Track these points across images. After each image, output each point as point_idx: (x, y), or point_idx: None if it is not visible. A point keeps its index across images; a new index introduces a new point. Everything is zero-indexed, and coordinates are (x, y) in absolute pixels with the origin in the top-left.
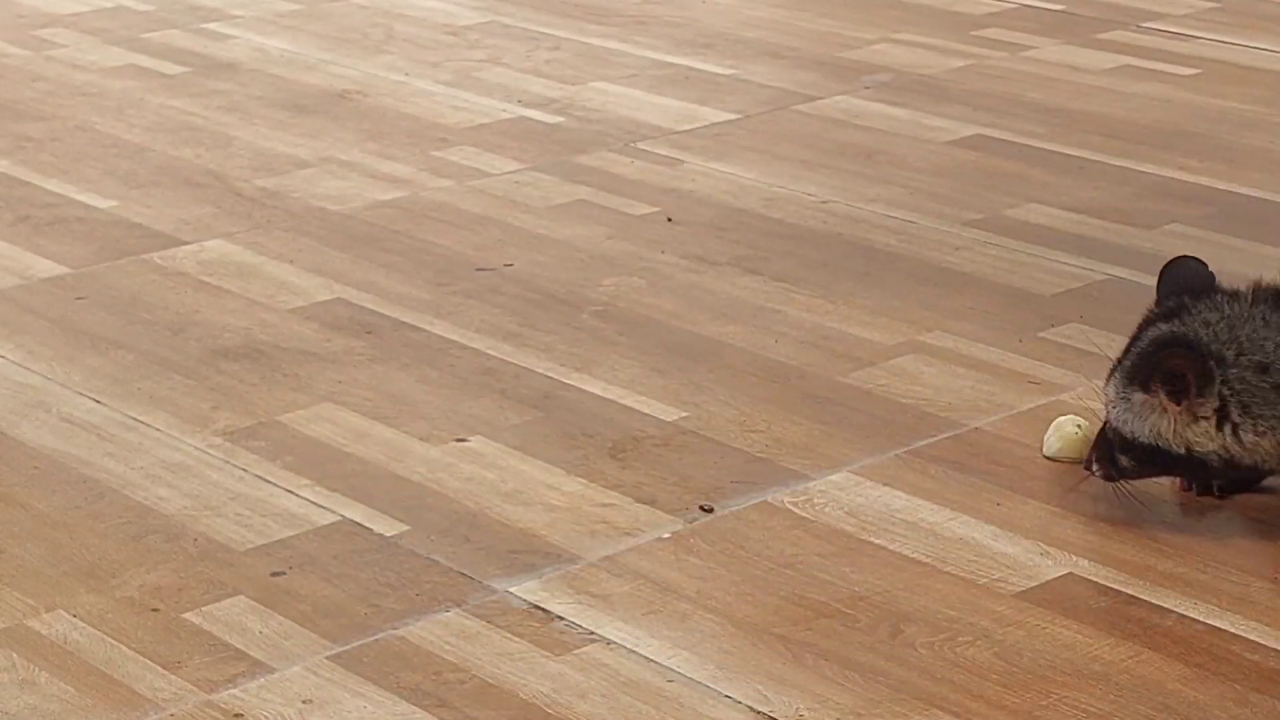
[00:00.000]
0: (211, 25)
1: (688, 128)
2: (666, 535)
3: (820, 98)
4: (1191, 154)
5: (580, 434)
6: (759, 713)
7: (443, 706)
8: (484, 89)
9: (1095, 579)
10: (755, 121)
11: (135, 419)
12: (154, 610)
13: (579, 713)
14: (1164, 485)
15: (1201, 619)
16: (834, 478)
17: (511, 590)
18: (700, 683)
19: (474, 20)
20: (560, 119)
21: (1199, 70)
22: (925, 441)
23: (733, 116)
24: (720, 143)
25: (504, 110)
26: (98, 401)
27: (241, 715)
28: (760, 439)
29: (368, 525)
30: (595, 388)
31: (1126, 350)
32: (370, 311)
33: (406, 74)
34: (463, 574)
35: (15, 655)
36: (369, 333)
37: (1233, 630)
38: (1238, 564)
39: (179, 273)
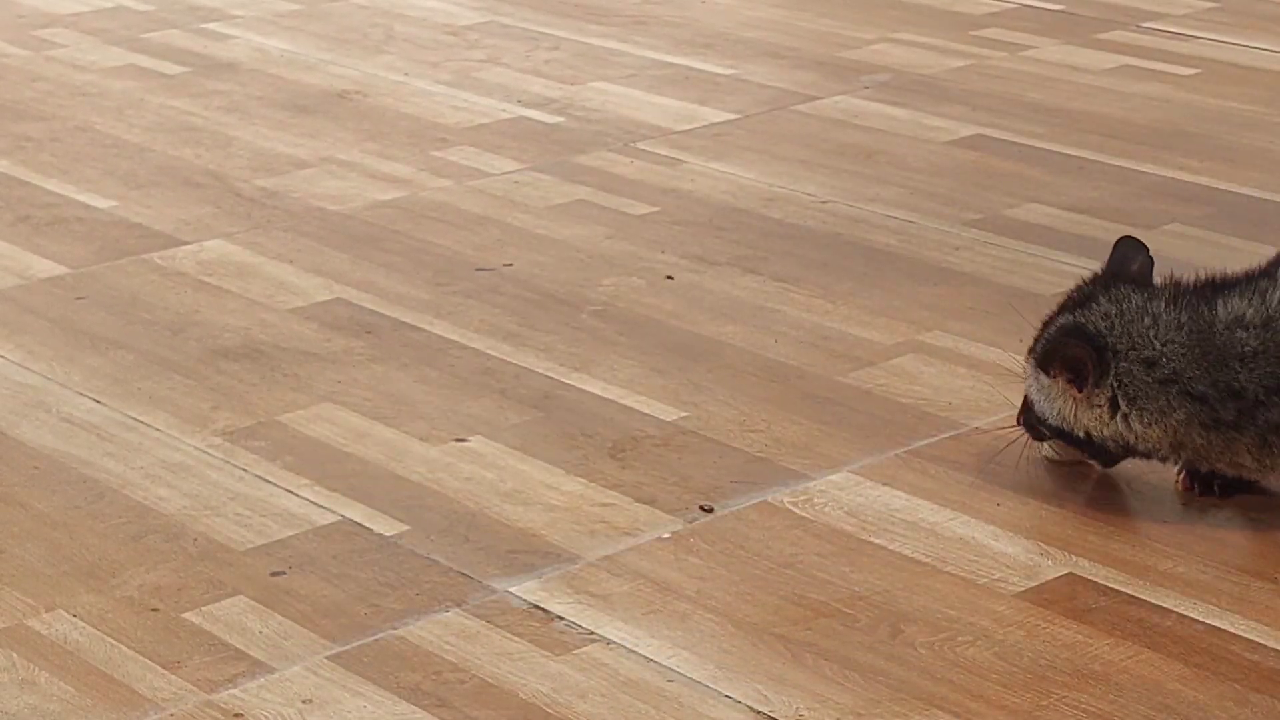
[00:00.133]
0: (211, 25)
1: (687, 128)
2: (666, 535)
3: (820, 98)
4: (1191, 154)
5: (580, 434)
6: (759, 713)
7: (443, 706)
8: (484, 89)
9: (1095, 579)
10: (755, 121)
11: (135, 419)
12: (154, 610)
13: (579, 713)
14: (1164, 485)
15: (1201, 619)
16: (834, 478)
17: (511, 590)
18: (700, 683)
19: (473, 20)
20: (560, 119)
21: (1199, 70)
22: (925, 441)
23: (732, 116)
24: (720, 143)
25: (503, 110)
26: (98, 401)
27: (241, 715)
28: (760, 439)
29: (367, 525)
30: (595, 387)
31: (1041, 330)
32: (370, 311)
33: (406, 74)
34: (462, 574)
35: (15, 655)
36: (369, 333)
37: (1233, 630)
38: (1238, 564)
39: (179, 273)
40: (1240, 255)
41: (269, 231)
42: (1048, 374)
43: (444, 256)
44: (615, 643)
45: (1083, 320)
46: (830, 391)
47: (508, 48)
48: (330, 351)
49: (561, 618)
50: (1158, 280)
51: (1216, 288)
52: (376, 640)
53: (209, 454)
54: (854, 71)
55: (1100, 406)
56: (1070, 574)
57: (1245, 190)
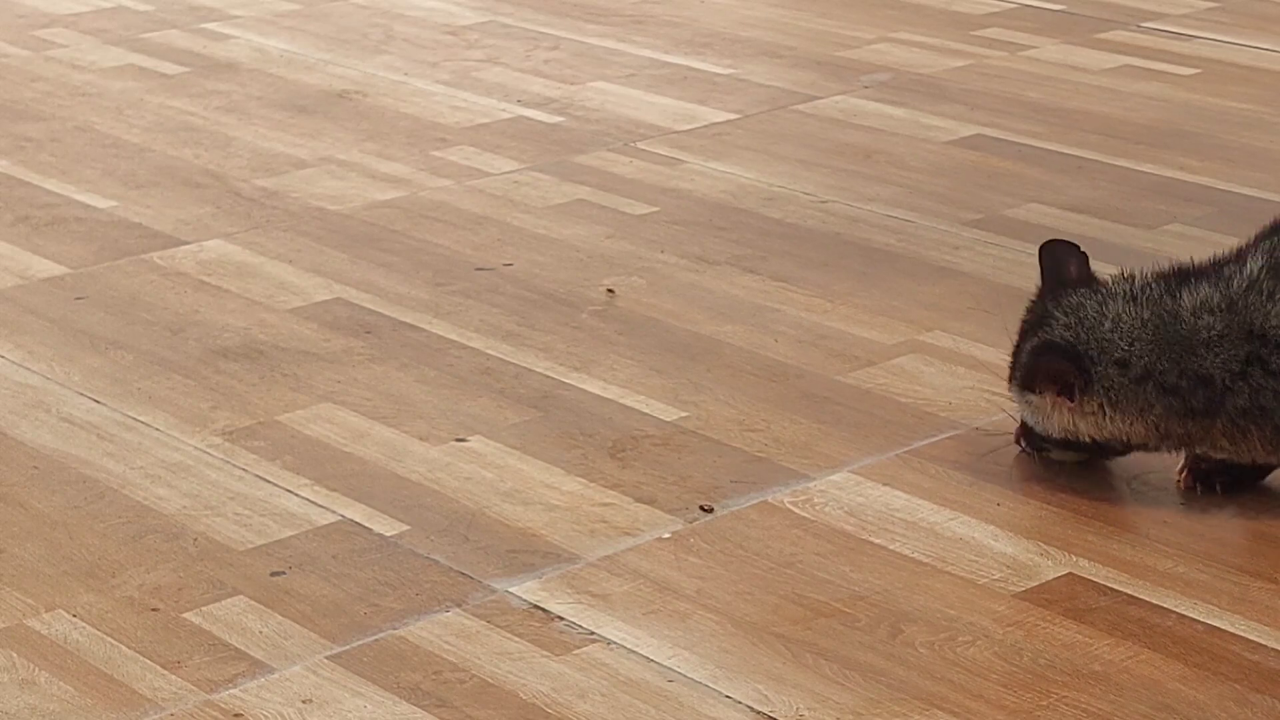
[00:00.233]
0: (211, 25)
1: (686, 127)
2: (666, 535)
3: (819, 97)
4: (1191, 154)
5: (579, 434)
6: (759, 713)
7: (443, 706)
8: (483, 89)
9: (1095, 579)
10: (754, 121)
11: (135, 419)
12: (154, 610)
13: (579, 713)
14: (1164, 485)
15: (1201, 619)
16: (834, 477)
17: (511, 590)
18: (700, 683)
19: (473, 20)
20: (559, 119)
21: (1199, 70)
22: (925, 441)
23: (731, 116)
24: (719, 142)
25: (503, 110)
26: (97, 401)
27: (241, 715)
28: (759, 438)
29: (367, 525)
30: (594, 387)
31: (1014, 355)
32: (369, 311)
33: (406, 74)
34: (462, 574)
35: (15, 655)
36: (368, 333)
37: (1233, 630)
38: (1238, 564)
39: (178, 273)
40: None
41: (269, 231)
42: (1036, 393)
43: (443, 256)
44: (615, 643)
45: (1048, 336)
46: (830, 391)
47: (507, 48)
48: (330, 351)
49: (561, 618)
50: (1108, 276)
51: (1181, 277)
52: (376, 640)
53: (208, 454)
54: (853, 71)
55: (1094, 414)
56: (1070, 574)
57: (1245, 190)
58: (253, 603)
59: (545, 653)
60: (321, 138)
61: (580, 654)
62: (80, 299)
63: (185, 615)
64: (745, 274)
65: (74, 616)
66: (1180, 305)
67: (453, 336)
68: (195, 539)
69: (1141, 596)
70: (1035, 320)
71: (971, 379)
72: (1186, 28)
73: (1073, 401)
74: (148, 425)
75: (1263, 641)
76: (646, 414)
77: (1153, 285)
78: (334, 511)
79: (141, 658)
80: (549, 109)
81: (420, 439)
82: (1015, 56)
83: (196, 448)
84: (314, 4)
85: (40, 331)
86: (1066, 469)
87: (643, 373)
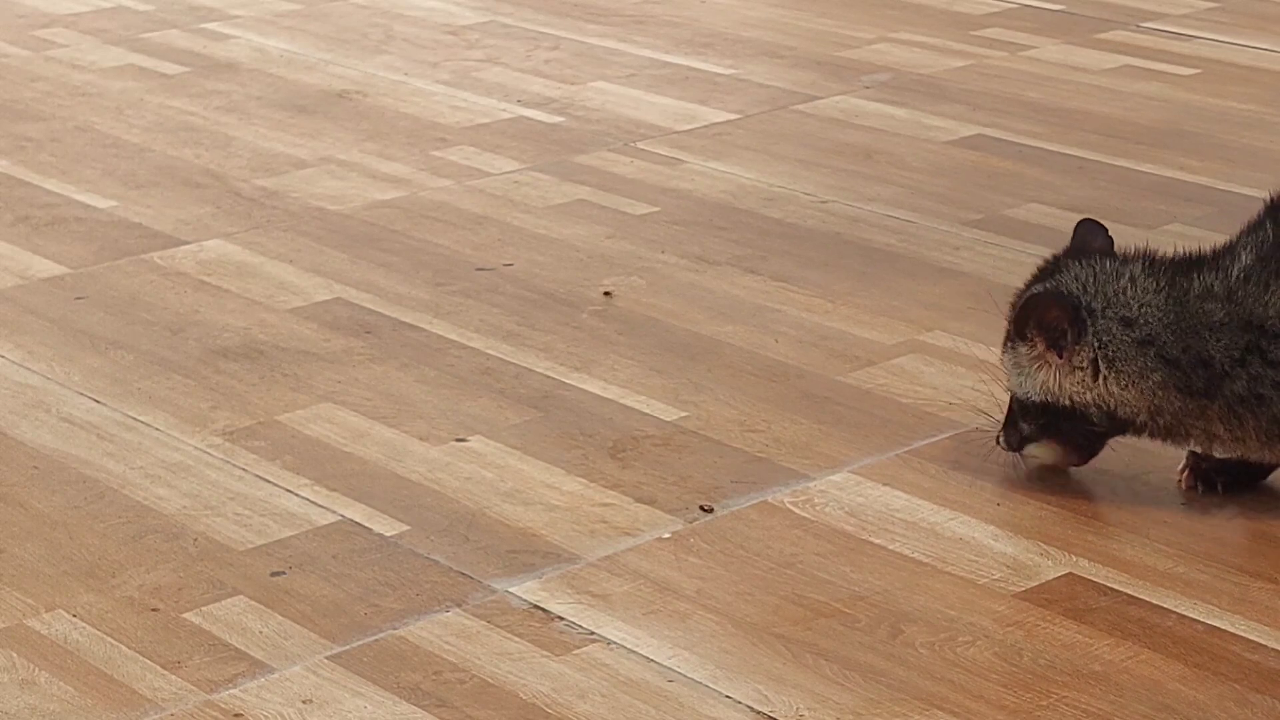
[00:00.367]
0: (211, 25)
1: (687, 127)
2: (666, 535)
3: (819, 97)
4: (1191, 154)
5: (580, 434)
6: (759, 713)
7: (443, 706)
8: (483, 89)
9: (1095, 579)
10: (754, 121)
11: (135, 419)
12: (154, 610)
13: (579, 713)
14: (1164, 485)
15: (1201, 619)
16: (834, 477)
17: (511, 590)
18: (700, 683)
19: (473, 20)
20: (559, 119)
21: (1199, 70)
22: (925, 441)
23: (732, 116)
24: (719, 142)
25: (503, 110)
26: (97, 401)
27: (241, 715)
28: (760, 439)
29: (367, 525)
30: (594, 387)
31: (1013, 306)
32: (369, 311)
33: (406, 74)
34: (462, 574)
35: (15, 655)
36: (368, 333)
37: (1233, 630)
38: (1238, 564)
39: (178, 273)
40: None
41: (269, 231)
42: (1024, 339)
43: (444, 256)
44: (615, 643)
45: (1054, 285)
46: (830, 391)
47: (507, 48)
48: (330, 351)
49: (561, 618)
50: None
51: (1192, 263)
52: (376, 640)
53: (208, 454)
54: (853, 71)
55: (1083, 369)
56: (1070, 574)
57: (1245, 190)
58: (253, 603)
59: (545, 653)
60: (321, 138)
61: (580, 654)
62: (80, 299)
63: (185, 615)
64: (745, 274)
65: (74, 616)
66: (1190, 288)
67: (453, 336)
68: (195, 539)
69: (1141, 596)
70: (1046, 270)
71: (971, 379)
72: (1186, 28)
73: (1060, 356)
74: (148, 425)
75: (1263, 641)
76: (647, 414)
77: (1169, 264)
78: (334, 511)
79: (141, 658)
80: (549, 109)
81: (420, 439)
82: (1015, 56)
83: (196, 448)
84: (314, 4)
85: (40, 331)
86: (1066, 469)
87: (643, 373)
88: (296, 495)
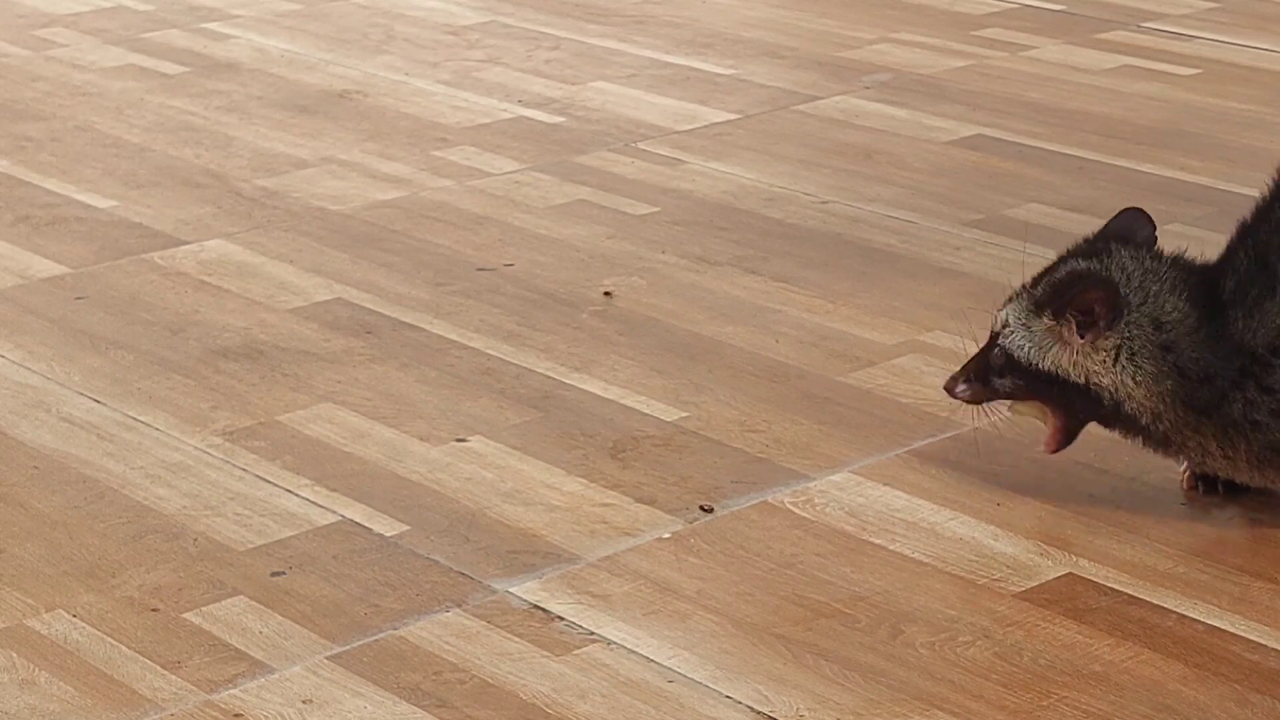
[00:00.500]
0: (211, 25)
1: (687, 127)
2: (666, 535)
3: (820, 97)
4: (1191, 154)
5: (580, 434)
6: (759, 713)
7: (443, 706)
8: (484, 89)
9: (1095, 579)
10: (755, 121)
11: (135, 419)
12: (154, 610)
13: (579, 713)
14: (1164, 485)
15: (1201, 619)
16: (834, 478)
17: (511, 590)
18: (700, 683)
19: (474, 20)
20: (560, 119)
21: (1199, 70)
22: (925, 441)
23: (732, 116)
24: (720, 142)
25: (504, 110)
26: (97, 401)
27: (241, 715)
28: (760, 439)
29: (367, 525)
30: (595, 387)
31: (1037, 279)
32: (370, 311)
33: (406, 74)
34: (463, 574)
35: (15, 655)
36: (368, 333)
37: (1233, 630)
38: (1238, 564)
39: (179, 273)
40: None
41: (269, 231)
42: (1057, 319)
43: (444, 256)
44: (615, 643)
45: (1100, 268)
46: (830, 391)
47: (508, 48)
48: (330, 351)
49: (561, 618)
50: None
51: (1214, 273)
52: (376, 640)
53: (209, 454)
54: (854, 71)
55: (1105, 355)
56: (1070, 574)
57: (1245, 190)
58: (253, 603)
59: (545, 653)
60: (322, 138)
61: (580, 654)
62: (80, 299)
63: (185, 615)
64: (746, 274)
65: (74, 616)
66: (1209, 301)
67: (453, 336)
68: (195, 539)
69: (1141, 596)
70: (1088, 249)
71: None
72: (1186, 28)
73: (1083, 338)
74: (148, 425)
75: (1263, 641)
76: (647, 414)
77: (1198, 274)
78: (334, 511)
79: (141, 658)
80: (550, 109)
81: (420, 439)
82: (1016, 57)
83: (196, 448)
84: (314, 4)
85: (40, 331)
86: (1066, 469)
87: (643, 373)
88: (296, 495)
